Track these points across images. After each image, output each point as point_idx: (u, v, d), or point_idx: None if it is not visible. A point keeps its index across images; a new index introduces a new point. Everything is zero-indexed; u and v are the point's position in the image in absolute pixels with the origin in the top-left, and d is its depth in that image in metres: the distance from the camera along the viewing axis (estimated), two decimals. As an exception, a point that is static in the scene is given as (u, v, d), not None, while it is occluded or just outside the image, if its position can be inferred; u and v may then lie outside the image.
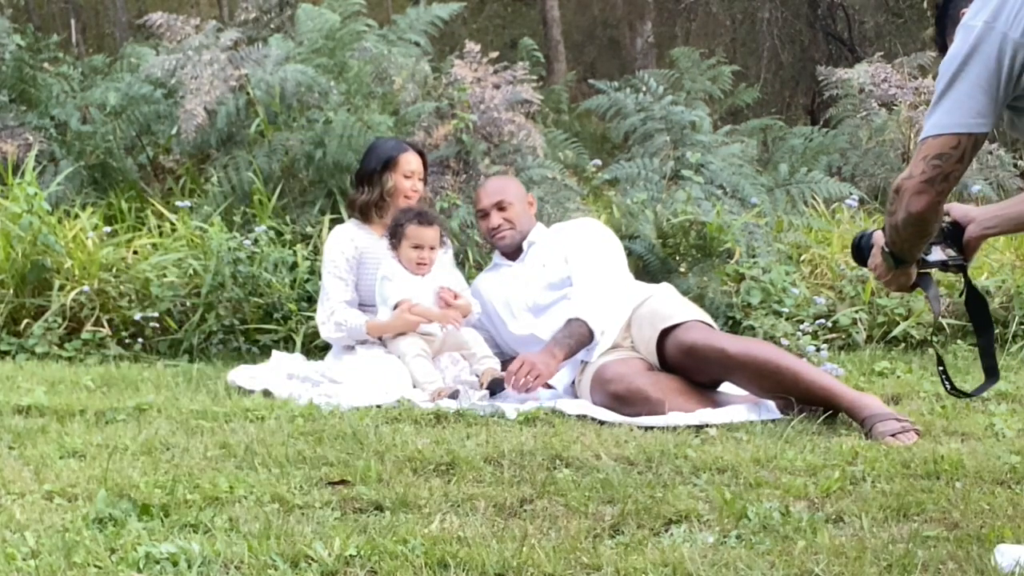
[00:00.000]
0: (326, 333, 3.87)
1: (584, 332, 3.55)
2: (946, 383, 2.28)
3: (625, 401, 3.30)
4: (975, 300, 2.25)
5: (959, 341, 4.54)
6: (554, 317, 3.67)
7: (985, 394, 3.42)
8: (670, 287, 3.82)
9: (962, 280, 2.28)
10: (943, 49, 1.96)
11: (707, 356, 3.31)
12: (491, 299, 3.93)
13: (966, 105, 1.88)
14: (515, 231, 3.90)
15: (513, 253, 3.96)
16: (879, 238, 2.21)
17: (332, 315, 3.82)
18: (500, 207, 3.90)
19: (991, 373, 2.21)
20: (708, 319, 3.57)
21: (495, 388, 3.49)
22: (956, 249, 2.22)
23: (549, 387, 3.63)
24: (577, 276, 3.72)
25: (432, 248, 3.80)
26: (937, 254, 2.21)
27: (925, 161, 1.93)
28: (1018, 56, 1.83)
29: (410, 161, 3.98)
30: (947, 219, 2.22)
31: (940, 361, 2.33)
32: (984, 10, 1.87)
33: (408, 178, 3.97)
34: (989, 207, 2.24)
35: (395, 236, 3.82)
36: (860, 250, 2.34)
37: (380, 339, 3.79)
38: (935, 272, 2.25)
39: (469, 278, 4.18)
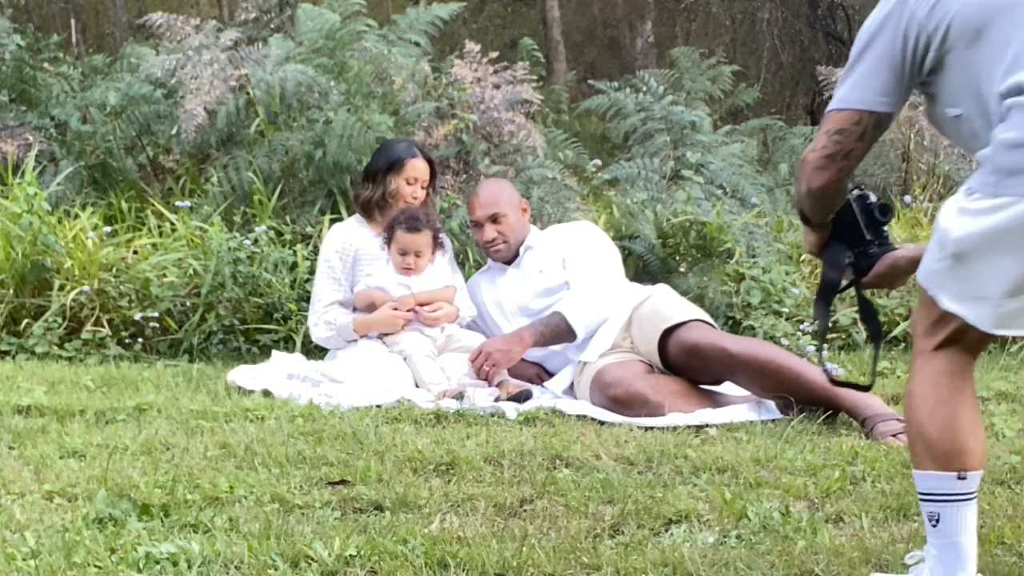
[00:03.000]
0: (317, 335, 3.87)
1: (562, 326, 3.56)
2: (825, 368, 2.22)
3: (624, 404, 3.30)
4: (867, 310, 2.17)
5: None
6: None
7: (985, 394, 3.45)
8: (668, 288, 3.82)
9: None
10: None
11: (709, 355, 3.32)
12: (484, 300, 3.94)
13: (870, 81, 1.82)
14: (509, 244, 3.87)
15: (509, 258, 3.96)
16: None
17: (323, 315, 3.83)
18: (494, 219, 3.85)
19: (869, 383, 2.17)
20: (708, 319, 3.58)
21: (521, 398, 3.44)
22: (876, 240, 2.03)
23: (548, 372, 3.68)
24: (574, 281, 3.72)
25: (418, 255, 3.79)
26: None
27: (827, 135, 1.87)
28: (921, 37, 1.76)
29: (416, 167, 3.95)
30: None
31: (822, 341, 2.26)
32: None
33: (411, 184, 3.94)
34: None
35: (389, 236, 3.83)
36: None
37: (381, 337, 3.79)
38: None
39: (468, 278, 4.18)
